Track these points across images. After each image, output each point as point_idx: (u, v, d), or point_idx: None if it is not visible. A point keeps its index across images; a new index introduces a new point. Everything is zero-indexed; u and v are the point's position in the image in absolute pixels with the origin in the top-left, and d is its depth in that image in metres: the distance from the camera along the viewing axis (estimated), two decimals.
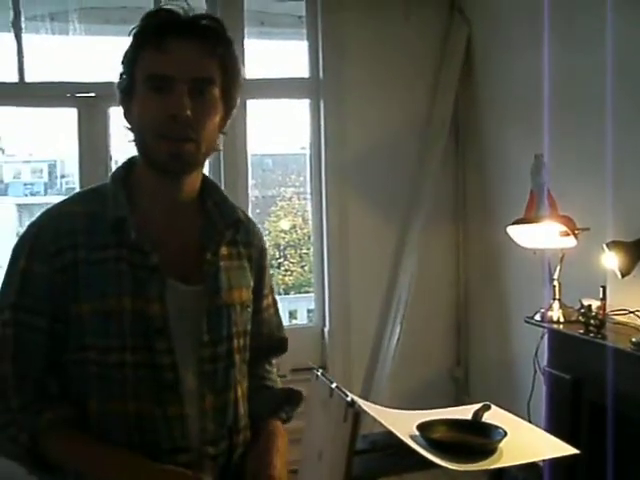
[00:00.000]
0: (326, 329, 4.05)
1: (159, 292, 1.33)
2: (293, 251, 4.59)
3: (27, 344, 1.32)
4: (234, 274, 1.44)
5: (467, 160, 4.13)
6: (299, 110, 4.12)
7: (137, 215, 1.35)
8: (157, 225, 1.38)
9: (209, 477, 1.33)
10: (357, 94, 3.97)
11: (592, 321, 2.60)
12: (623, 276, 2.62)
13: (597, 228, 2.83)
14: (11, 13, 3.61)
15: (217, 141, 1.39)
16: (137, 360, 1.31)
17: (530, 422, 2.08)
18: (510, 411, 1.91)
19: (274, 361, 1.62)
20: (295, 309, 4.61)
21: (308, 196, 4.15)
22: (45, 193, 4.79)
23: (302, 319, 4.53)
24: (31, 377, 1.32)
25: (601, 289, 2.65)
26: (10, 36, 3.61)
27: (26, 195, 4.85)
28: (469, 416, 1.80)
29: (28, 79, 3.67)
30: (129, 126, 1.37)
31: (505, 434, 1.68)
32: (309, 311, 4.37)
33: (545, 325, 2.89)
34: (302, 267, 4.56)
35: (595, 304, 2.63)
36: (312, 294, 4.19)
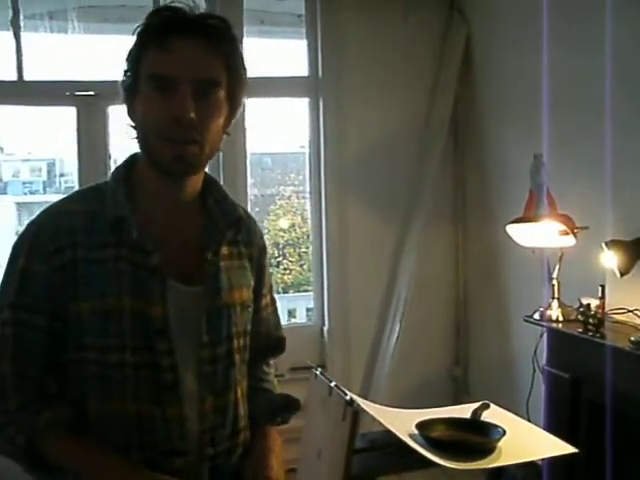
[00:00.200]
0: (325, 328, 4.05)
1: (160, 293, 1.32)
2: (292, 250, 4.59)
3: (26, 343, 1.32)
4: (235, 274, 1.43)
5: (466, 160, 4.13)
6: (298, 109, 4.12)
7: (138, 214, 1.34)
8: (158, 224, 1.37)
9: None
10: (356, 93, 3.97)
11: (591, 320, 2.60)
12: (622, 275, 2.62)
13: (596, 227, 2.83)
14: (10, 11, 3.60)
15: (221, 142, 1.38)
16: (137, 360, 1.30)
17: (529, 421, 2.08)
18: (509, 410, 1.91)
19: (272, 362, 1.62)
20: (294, 308, 4.61)
21: (307, 195, 4.15)
22: (44, 192, 4.78)
23: (301, 318, 4.53)
24: (30, 376, 1.32)
25: (600, 288, 2.65)
26: (9, 34, 3.61)
27: (25, 194, 4.85)
28: (468, 415, 1.80)
29: (27, 77, 3.67)
30: (132, 124, 1.36)
31: (504, 433, 1.69)
32: (308, 310, 4.37)
33: (544, 324, 2.90)
34: (301, 266, 4.57)
35: (594, 303, 2.64)
36: (311, 293, 4.19)
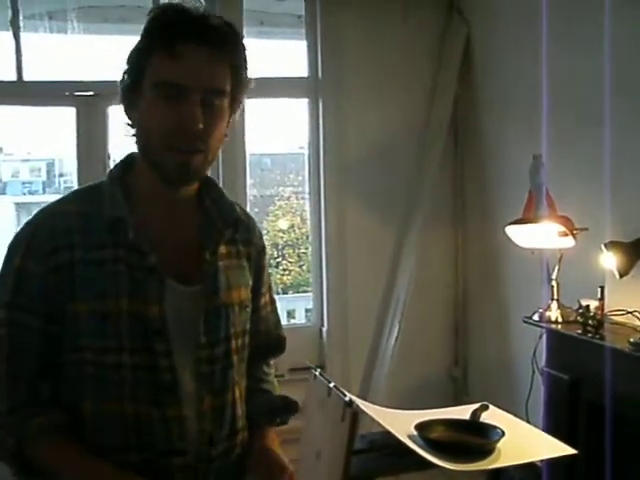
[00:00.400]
0: (324, 329, 4.05)
1: (158, 293, 1.32)
2: (291, 250, 4.59)
3: (21, 344, 1.31)
4: (233, 273, 1.43)
5: (466, 161, 4.13)
6: (298, 109, 4.12)
7: (135, 214, 1.34)
8: (155, 224, 1.36)
9: None
10: (356, 94, 3.97)
11: (590, 321, 2.60)
12: (621, 276, 2.62)
13: (595, 228, 2.83)
14: (9, 12, 3.60)
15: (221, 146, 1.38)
16: (135, 362, 1.30)
17: (528, 422, 2.08)
18: (508, 411, 1.91)
19: (272, 362, 1.62)
20: (293, 309, 4.61)
21: (306, 196, 4.15)
22: (43, 192, 4.78)
23: (300, 318, 4.53)
24: (24, 378, 1.31)
25: (599, 289, 2.65)
26: (8, 35, 3.61)
27: (24, 194, 4.85)
28: (467, 416, 1.81)
29: (26, 78, 3.66)
30: (130, 122, 1.35)
31: (503, 434, 1.69)
32: (307, 310, 4.36)
33: (543, 325, 2.90)
34: (300, 267, 4.56)
35: (593, 304, 2.64)
36: (310, 294, 4.18)
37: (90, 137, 3.73)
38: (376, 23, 3.98)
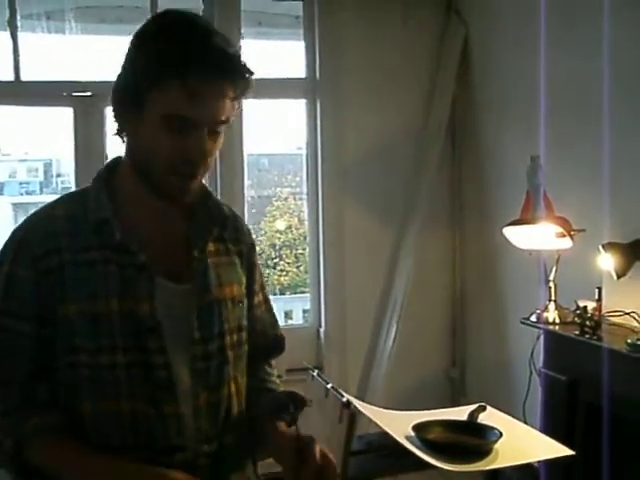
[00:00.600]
0: (322, 329, 4.05)
1: (148, 291, 1.32)
2: (289, 251, 4.59)
3: (13, 349, 1.31)
4: (224, 270, 1.43)
5: (463, 161, 4.13)
6: (296, 110, 4.12)
7: (121, 215, 1.35)
8: (143, 224, 1.37)
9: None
10: (354, 95, 3.97)
11: (588, 322, 2.60)
12: (619, 277, 2.62)
13: (593, 230, 2.83)
14: (7, 12, 3.59)
15: None
16: (129, 360, 1.30)
17: (526, 423, 2.09)
18: (506, 412, 1.91)
19: (274, 362, 1.62)
20: (291, 309, 4.61)
21: (304, 196, 4.15)
22: (41, 192, 4.78)
23: (298, 319, 4.53)
24: (17, 382, 1.31)
25: (597, 290, 2.65)
26: (6, 35, 3.60)
27: (21, 194, 4.84)
28: (465, 417, 1.81)
29: (24, 78, 3.66)
30: (121, 129, 1.34)
31: (501, 435, 1.69)
32: (305, 311, 4.36)
33: (541, 326, 2.90)
34: (298, 267, 4.56)
35: (591, 305, 2.64)
36: (308, 294, 4.18)
37: (87, 137, 3.73)
38: (374, 24, 3.98)
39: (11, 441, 1.28)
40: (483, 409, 1.83)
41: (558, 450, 1.68)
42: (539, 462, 2.38)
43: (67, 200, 1.42)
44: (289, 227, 4.56)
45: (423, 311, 4.06)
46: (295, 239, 4.56)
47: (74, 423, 1.31)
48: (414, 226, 3.98)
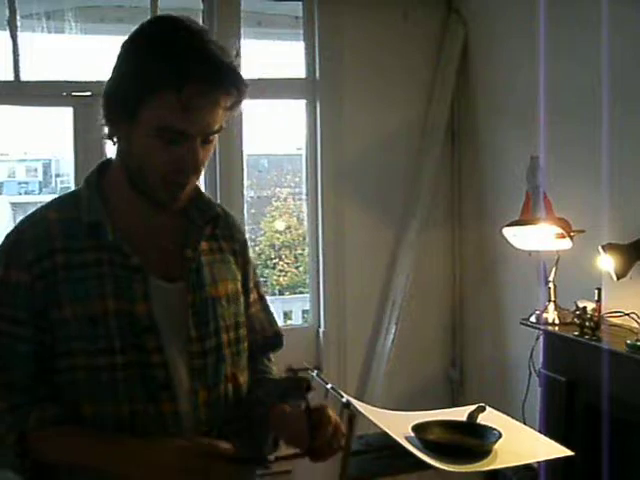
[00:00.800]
0: (321, 330, 4.05)
1: (143, 291, 1.33)
2: (288, 252, 4.59)
3: (12, 353, 1.31)
4: (217, 268, 1.44)
5: (463, 162, 4.13)
6: (295, 110, 4.12)
7: (114, 217, 1.35)
8: (135, 226, 1.38)
9: (226, 445, 1.26)
10: (353, 95, 3.97)
11: (587, 323, 2.60)
12: (618, 278, 2.62)
13: (593, 230, 2.83)
14: (7, 11, 3.59)
15: None
16: (127, 361, 1.30)
17: (525, 424, 2.09)
18: (505, 413, 1.91)
19: (273, 357, 1.62)
20: (290, 310, 4.61)
21: (303, 197, 4.14)
22: (40, 192, 4.78)
23: (297, 320, 4.52)
24: (17, 385, 1.31)
25: (596, 291, 2.65)
26: (5, 34, 3.60)
27: (21, 194, 4.85)
28: (464, 417, 1.81)
29: (24, 78, 3.65)
30: (111, 132, 1.36)
31: (500, 436, 1.69)
32: (304, 312, 4.36)
33: (540, 327, 2.90)
34: (297, 268, 4.56)
35: (590, 306, 2.64)
36: (307, 295, 4.18)
37: (87, 137, 3.73)
38: (374, 24, 3.98)
39: (15, 435, 1.28)
40: (482, 410, 1.83)
41: (557, 451, 1.68)
42: (538, 463, 2.38)
43: (59, 203, 1.42)
44: (288, 227, 4.56)
45: (422, 311, 4.06)
46: (294, 239, 4.56)
47: (74, 422, 1.31)
48: (413, 226, 3.98)
